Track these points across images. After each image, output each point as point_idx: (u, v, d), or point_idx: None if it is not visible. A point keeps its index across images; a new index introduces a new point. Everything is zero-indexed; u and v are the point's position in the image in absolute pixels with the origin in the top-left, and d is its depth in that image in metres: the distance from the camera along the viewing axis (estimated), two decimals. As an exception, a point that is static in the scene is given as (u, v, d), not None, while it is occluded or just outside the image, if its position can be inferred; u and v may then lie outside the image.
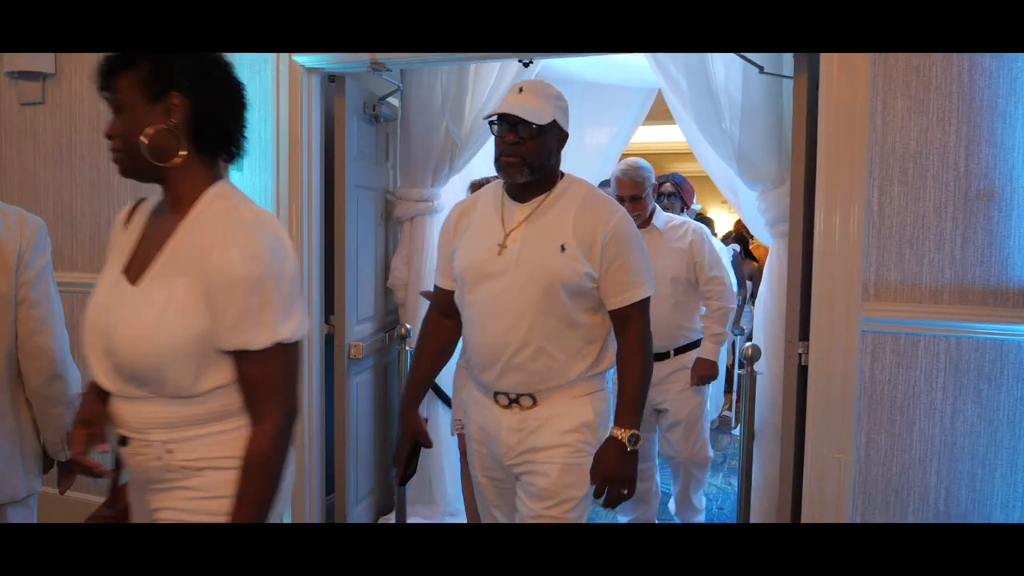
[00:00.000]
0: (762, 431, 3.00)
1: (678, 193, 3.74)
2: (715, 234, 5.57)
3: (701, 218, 5.60)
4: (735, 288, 3.72)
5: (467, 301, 1.96)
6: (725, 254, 4.61)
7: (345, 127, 3.03)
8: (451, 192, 3.53)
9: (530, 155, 1.86)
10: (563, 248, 1.84)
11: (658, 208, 3.24)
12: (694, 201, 3.99)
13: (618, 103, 4.81)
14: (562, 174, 1.97)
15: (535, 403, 1.91)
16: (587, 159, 4.64)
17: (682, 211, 3.70)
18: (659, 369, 3.02)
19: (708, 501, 4.10)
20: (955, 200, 2.27)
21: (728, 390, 5.56)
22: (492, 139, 3.55)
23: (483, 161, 4.11)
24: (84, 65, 3.26)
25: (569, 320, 1.86)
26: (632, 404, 1.88)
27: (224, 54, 1.43)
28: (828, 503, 2.40)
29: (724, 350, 4.62)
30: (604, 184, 4.23)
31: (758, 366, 2.84)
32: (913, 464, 2.35)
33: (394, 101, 3.46)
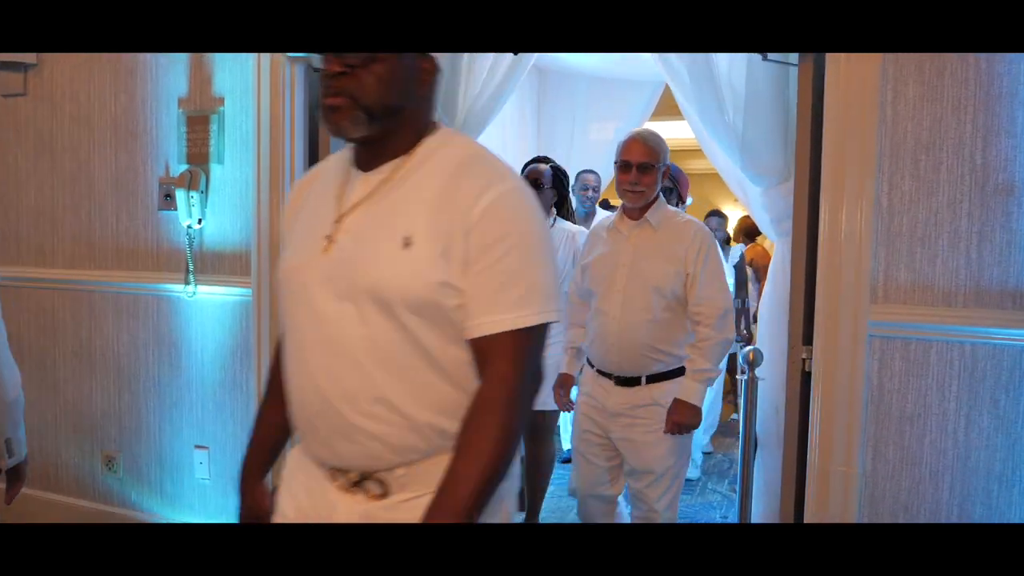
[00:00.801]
0: (765, 440, 2.85)
1: (675, 187, 3.53)
2: (728, 235, 5.40)
3: (715, 213, 5.40)
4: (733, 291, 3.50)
5: (284, 322, 1.31)
6: (733, 253, 4.46)
7: (330, 118, 2.92)
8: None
9: (365, 92, 1.17)
10: (407, 243, 1.16)
11: (661, 198, 2.60)
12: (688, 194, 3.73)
13: (624, 97, 4.71)
14: (436, 127, 1.28)
15: (386, 492, 1.22)
16: (591, 155, 4.53)
17: (677, 205, 3.53)
18: (624, 396, 2.51)
19: (712, 510, 3.96)
20: (971, 195, 2.13)
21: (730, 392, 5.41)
22: (488, 130, 3.47)
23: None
24: (66, 56, 3.18)
25: (426, 357, 1.18)
26: (455, 501, 1.11)
27: None
28: (832, 518, 2.27)
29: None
30: (588, 172, 4.05)
31: (760, 371, 2.69)
32: (924, 479, 2.21)
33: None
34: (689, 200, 3.78)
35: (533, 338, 1.18)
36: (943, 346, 2.17)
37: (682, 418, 2.44)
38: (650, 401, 2.49)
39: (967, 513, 2.18)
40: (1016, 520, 2.13)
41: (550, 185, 3.22)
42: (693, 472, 4.28)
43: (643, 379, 2.51)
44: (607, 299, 2.53)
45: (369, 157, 1.25)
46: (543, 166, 3.25)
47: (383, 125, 1.20)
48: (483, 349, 1.17)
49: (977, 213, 2.13)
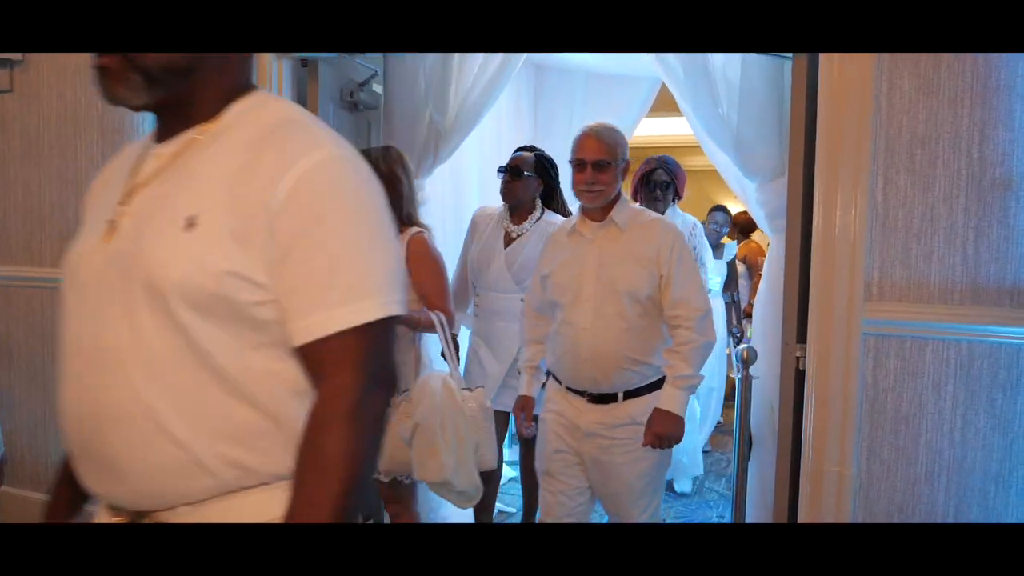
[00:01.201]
0: (761, 438, 2.81)
1: (672, 182, 3.40)
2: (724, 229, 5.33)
3: (720, 208, 5.31)
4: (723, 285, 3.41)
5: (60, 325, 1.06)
6: (727, 251, 4.41)
7: (318, 114, 2.88)
8: (437, 183, 3.37)
9: (144, 57, 0.96)
10: (190, 224, 0.93)
11: (624, 196, 2.37)
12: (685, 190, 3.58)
13: (621, 93, 4.66)
14: (250, 91, 1.06)
15: None
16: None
17: (674, 201, 3.42)
18: (599, 414, 2.28)
19: (708, 509, 3.92)
20: (968, 190, 2.09)
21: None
22: (484, 126, 3.43)
23: (475, 152, 3.97)
24: (54, 53, 3.14)
25: (214, 369, 0.94)
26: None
27: None
28: (826, 519, 2.24)
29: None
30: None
31: (756, 369, 2.65)
32: (919, 479, 2.17)
33: (379, 89, 3.30)
34: None
35: (374, 336, 0.95)
36: (939, 344, 2.13)
37: (664, 429, 2.18)
38: (628, 420, 2.24)
39: (963, 514, 2.13)
40: (1013, 522, 2.09)
41: (532, 172, 3.07)
42: (695, 471, 4.22)
43: (620, 395, 2.26)
44: (575, 310, 2.27)
45: (165, 128, 1.04)
46: (527, 153, 3.14)
47: (170, 89, 0.99)
48: (314, 357, 0.94)
49: (974, 208, 2.08)
